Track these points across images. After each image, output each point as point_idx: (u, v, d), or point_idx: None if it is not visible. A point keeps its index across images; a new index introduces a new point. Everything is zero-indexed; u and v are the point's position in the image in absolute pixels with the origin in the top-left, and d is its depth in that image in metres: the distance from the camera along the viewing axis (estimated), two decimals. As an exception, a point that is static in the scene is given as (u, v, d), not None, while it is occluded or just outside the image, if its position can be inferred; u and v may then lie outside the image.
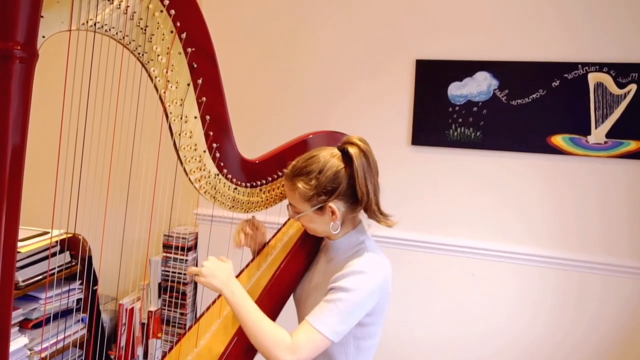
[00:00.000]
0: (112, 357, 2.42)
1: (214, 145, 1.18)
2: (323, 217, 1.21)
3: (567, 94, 1.99)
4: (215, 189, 1.25)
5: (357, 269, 1.16)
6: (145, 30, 0.99)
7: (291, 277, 1.33)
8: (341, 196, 1.18)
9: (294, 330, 1.13)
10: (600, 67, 1.94)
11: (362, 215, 1.28)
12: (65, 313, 1.99)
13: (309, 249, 1.37)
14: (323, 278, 1.26)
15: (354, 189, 1.18)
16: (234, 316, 1.26)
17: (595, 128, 1.97)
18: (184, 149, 1.16)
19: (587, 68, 1.96)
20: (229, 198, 1.29)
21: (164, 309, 2.43)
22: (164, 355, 1.26)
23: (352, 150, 1.17)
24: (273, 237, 1.48)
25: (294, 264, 1.34)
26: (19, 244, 1.78)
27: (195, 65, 1.07)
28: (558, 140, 2.02)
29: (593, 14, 1.95)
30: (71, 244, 2.00)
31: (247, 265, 1.42)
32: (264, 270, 1.36)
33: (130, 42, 0.99)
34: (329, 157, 1.19)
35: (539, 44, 2.01)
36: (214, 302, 1.34)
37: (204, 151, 1.18)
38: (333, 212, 1.19)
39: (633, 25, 1.91)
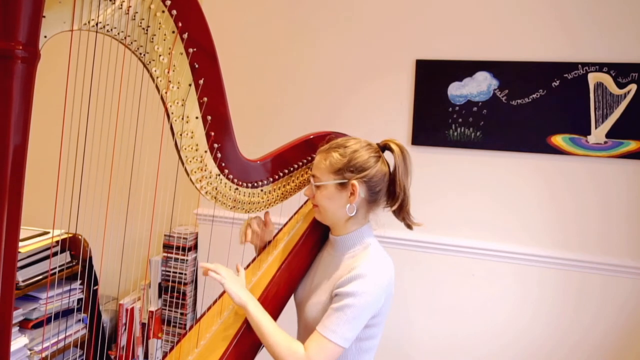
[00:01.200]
0: (113, 357, 2.42)
1: (215, 145, 1.18)
2: (341, 195, 1.23)
3: (567, 94, 1.99)
4: (216, 189, 1.25)
5: (362, 272, 1.16)
6: (146, 30, 0.99)
7: (292, 278, 1.33)
8: (366, 180, 1.21)
9: (306, 341, 1.15)
10: (600, 67, 1.94)
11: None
12: (66, 313, 1.99)
13: (310, 250, 1.37)
14: (325, 276, 1.27)
15: (375, 184, 1.22)
16: (234, 317, 1.26)
17: (595, 128, 1.98)
18: (185, 149, 1.16)
19: (587, 68, 1.96)
20: (230, 198, 1.29)
21: (165, 309, 2.43)
22: (165, 355, 1.26)
23: (394, 146, 1.25)
24: (274, 236, 1.48)
25: (295, 264, 1.34)
26: (20, 243, 1.78)
27: (196, 66, 1.07)
28: (558, 140, 2.02)
29: (593, 13, 1.95)
30: (71, 244, 2.00)
31: (248, 266, 1.42)
32: (265, 270, 1.36)
33: (131, 43, 0.99)
34: (367, 146, 1.25)
35: (539, 44, 2.01)
36: (214, 302, 1.34)
37: (205, 151, 1.18)
38: (353, 192, 1.21)
39: (633, 25, 1.91)
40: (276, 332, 1.17)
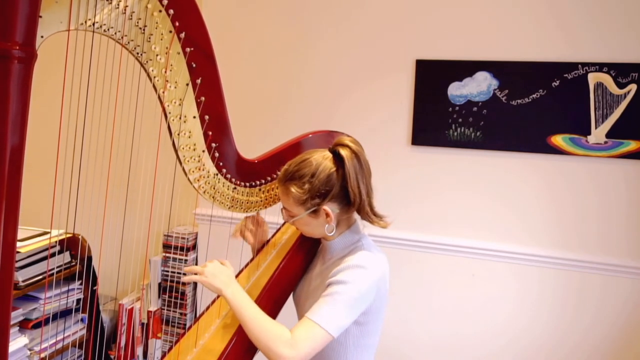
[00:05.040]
0: (112, 357, 2.42)
1: (213, 145, 1.18)
2: (318, 220, 1.21)
3: (567, 94, 1.99)
4: (214, 188, 1.26)
5: (354, 263, 1.16)
6: (144, 30, 0.99)
7: (290, 277, 1.33)
8: (335, 198, 1.19)
9: (294, 327, 1.14)
10: (600, 67, 1.94)
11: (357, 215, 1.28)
12: (65, 313, 1.99)
13: (308, 248, 1.37)
14: (321, 280, 1.26)
15: (346, 191, 1.18)
16: (233, 316, 1.26)
17: (595, 128, 1.97)
18: (183, 148, 1.16)
19: (587, 68, 1.96)
20: (228, 198, 1.29)
21: (164, 309, 2.43)
22: (164, 355, 1.26)
23: (344, 152, 1.17)
24: (272, 237, 1.48)
25: (293, 263, 1.34)
26: (19, 244, 1.78)
27: (194, 65, 1.07)
28: (558, 140, 2.01)
29: (593, 14, 1.95)
30: (71, 244, 2.00)
31: (247, 265, 1.42)
32: (263, 269, 1.36)
33: (129, 42, 0.99)
34: (321, 160, 1.19)
35: (539, 44, 2.01)
36: (213, 302, 1.34)
37: (203, 151, 1.18)
38: (327, 215, 1.19)
39: (633, 25, 1.91)
40: (259, 317, 1.13)
